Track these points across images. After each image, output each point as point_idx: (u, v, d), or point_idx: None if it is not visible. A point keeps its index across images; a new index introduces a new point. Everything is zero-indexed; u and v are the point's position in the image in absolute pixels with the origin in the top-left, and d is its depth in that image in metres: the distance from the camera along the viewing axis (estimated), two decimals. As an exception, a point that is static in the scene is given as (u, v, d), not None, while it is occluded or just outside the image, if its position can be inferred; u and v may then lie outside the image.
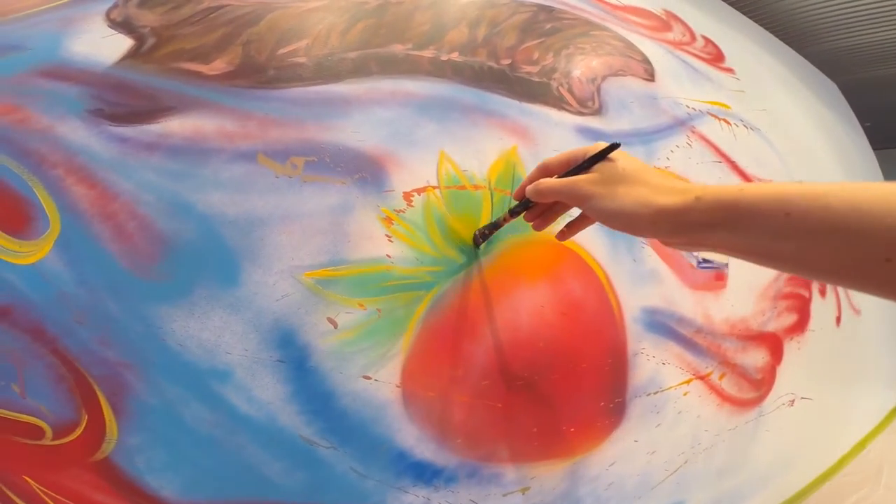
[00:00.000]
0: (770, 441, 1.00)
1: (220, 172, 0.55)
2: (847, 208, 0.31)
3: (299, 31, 0.66)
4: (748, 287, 1.00)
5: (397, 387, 0.58)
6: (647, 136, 0.92)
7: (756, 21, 1.88)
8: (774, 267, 0.39)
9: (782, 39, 1.97)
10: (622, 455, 0.75)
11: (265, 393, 0.52)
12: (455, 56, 0.75)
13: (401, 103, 0.67)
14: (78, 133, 0.52)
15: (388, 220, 0.61)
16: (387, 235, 0.60)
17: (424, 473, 0.59)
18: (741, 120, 1.19)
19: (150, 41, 0.59)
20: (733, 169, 1.08)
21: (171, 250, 0.52)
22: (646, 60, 1.04)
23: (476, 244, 0.65)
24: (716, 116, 1.11)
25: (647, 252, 0.83)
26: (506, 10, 0.87)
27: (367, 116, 0.64)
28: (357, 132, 0.63)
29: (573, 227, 0.56)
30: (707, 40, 1.35)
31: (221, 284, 0.53)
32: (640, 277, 0.80)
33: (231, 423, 0.51)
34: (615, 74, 0.95)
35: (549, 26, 0.90)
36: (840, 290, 1.28)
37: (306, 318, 0.55)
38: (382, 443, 0.57)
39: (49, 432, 0.47)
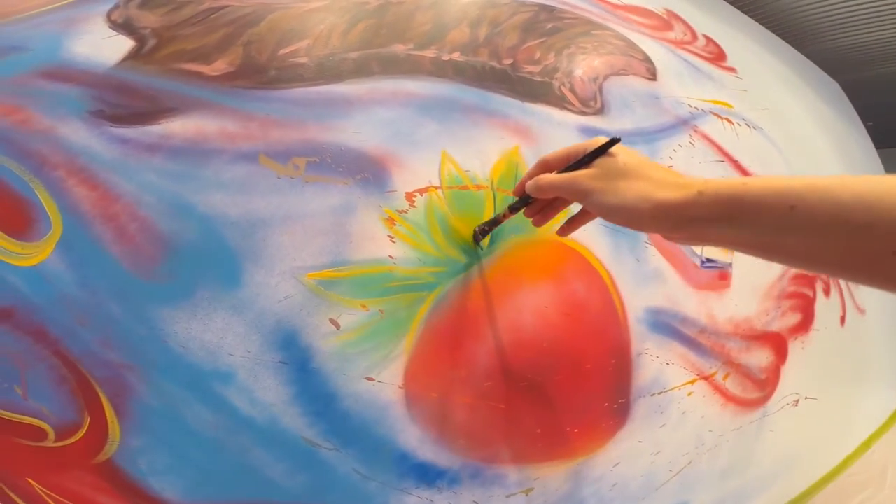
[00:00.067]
0: (774, 441, 1.00)
1: (222, 173, 0.55)
2: (853, 201, 0.31)
3: (300, 31, 0.66)
4: (752, 287, 0.99)
5: (400, 388, 0.58)
6: (649, 136, 0.92)
7: (757, 20, 1.88)
8: (779, 261, 0.39)
9: (784, 38, 1.97)
10: (626, 456, 0.74)
11: (267, 395, 0.52)
12: (456, 56, 0.75)
13: (402, 103, 0.67)
14: (79, 134, 0.52)
15: (390, 221, 0.61)
16: (389, 236, 0.60)
17: (427, 475, 0.59)
18: (743, 119, 1.18)
19: (151, 42, 0.59)
20: (736, 168, 1.07)
21: (173, 252, 0.52)
22: (647, 60, 1.04)
23: (476, 241, 0.65)
24: (718, 115, 1.10)
25: (651, 252, 0.82)
26: (507, 9, 0.87)
27: (368, 117, 0.64)
28: (359, 132, 0.63)
29: (574, 223, 0.55)
30: (708, 39, 1.34)
31: (223, 286, 0.53)
32: (644, 277, 0.80)
33: (233, 425, 0.51)
34: (617, 74, 0.94)
35: (550, 26, 0.90)
36: (844, 289, 1.27)
37: (308, 320, 0.55)
38: (385, 444, 0.57)
39: (51, 434, 0.47)
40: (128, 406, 0.49)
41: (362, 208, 0.60)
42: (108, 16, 0.60)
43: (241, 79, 0.60)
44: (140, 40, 0.59)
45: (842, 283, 1.27)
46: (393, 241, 0.60)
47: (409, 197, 0.63)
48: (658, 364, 0.79)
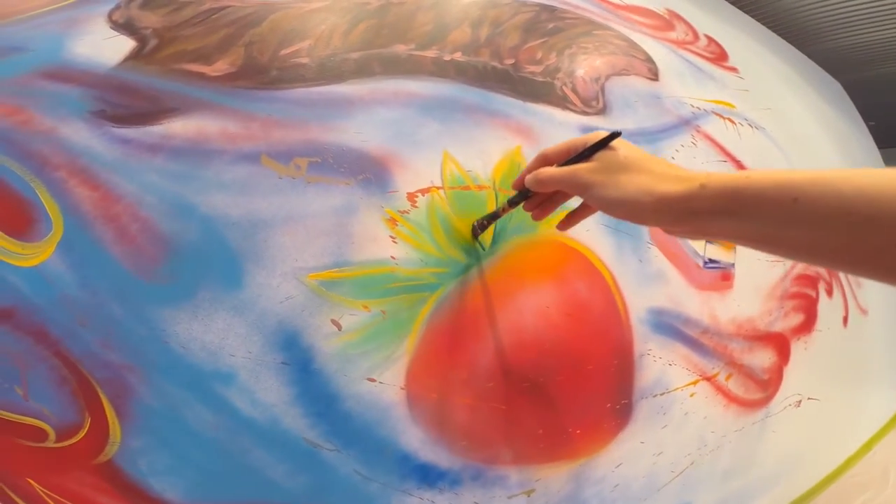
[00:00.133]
0: (776, 442, 0.99)
1: (223, 174, 0.55)
2: (856, 194, 0.31)
3: (301, 31, 0.66)
4: (755, 287, 0.99)
5: (402, 389, 0.57)
6: (651, 136, 0.92)
7: (759, 20, 1.88)
8: (781, 254, 0.38)
9: (785, 38, 1.97)
10: (628, 457, 0.74)
11: (269, 395, 0.52)
12: (458, 56, 0.75)
13: (404, 103, 0.67)
14: (80, 134, 0.52)
15: (392, 222, 0.61)
16: (391, 237, 0.60)
17: (429, 476, 0.59)
18: (746, 119, 1.18)
19: (153, 42, 0.59)
20: (738, 168, 1.07)
21: (174, 252, 0.52)
22: (649, 60, 1.04)
23: (474, 235, 0.65)
24: (720, 115, 1.10)
25: (654, 252, 0.82)
26: (508, 9, 0.86)
27: (370, 117, 0.64)
28: (360, 133, 0.62)
29: (574, 217, 0.55)
30: (710, 39, 1.34)
31: (225, 286, 0.53)
32: (646, 278, 0.80)
33: (234, 426, 0.51)
34: (619, 74, 0.94)
35: (551, 26, 0.90)
36: (847, 290, 1.27)
37: (310, 320, 0.55)
38: (387, 445, 0.56)
39: (52, 435, 0.47)
40: (129, 407, 0.49)
41: (364, 209, 0.60)
42: (110, 16, 0.60)
43: (242, 79, 0.60)
44: (141, 41, 0.59)
45: (844, 283, 1.27)
46: (395, 242, 0.60)
47: (411, 197, 0.63)
48: (660, 365, 0.78)
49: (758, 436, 0.96)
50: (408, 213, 0.62)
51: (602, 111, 0.87)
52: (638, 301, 0.78)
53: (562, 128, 0.79)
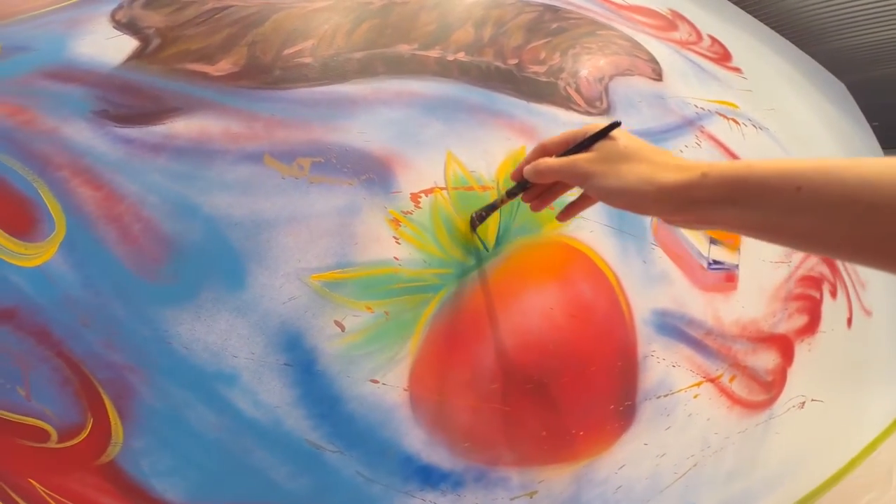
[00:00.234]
0: (780, 443, 0.99)
1: (226, 174, 0.55)
2: (860, 182, 0.31)
3: (305, 31, 0.65)
4: (759, 288, 0.99)
5: (405, 390, 0.57)
6: (655, 136, 0.92)
7: (762, 20, 1.88)
8: (784, 243, 0.38)
9: (788, 39, 1.97)
10: (631, 458, 0.74)
11: (271, 397, 0.52)
12: (461, 56, 0.75)
13: (407, 103, 0.67)
14: (83, 134, 0.52)
15: (395, 222, 0.60)
16: (394, 237, 0.60)
17: (431, 477, 0.58)
18: (749, 119, 1.18)
19: (156, 42, 0.59)
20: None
21: (177, 252, 0.52)
22: (653, 60, 1.03)
23: (473, 227, 0.64)
24: (724, 116, 1.10)
25: (658, 253, 0.82)
26: (511, 9, 0.86)
27: (373, 117, 0.64)
28: (364, 133, 0.62)
29: (574, 208, 0.54)
30: (713, 40, 1.34)
31: (227, 287, 0.52)
32: (650, 279, 0.80)
33: (237, 427, 0.51)
34: (623, 74, 0.94)
35: (555, 26, 0.90)
36: (851, 291, 1.27)
37: (313, 321, 0.54)
38: (390, 447, 0.56)
39: (54, 435, 0.47)
40: (131, 407, 0.48)
41: (367, 209, 0.60)
42: (113, 16, 0.60)
43: (245, 79, 0.60)
44: (144, 40, 0.59)
45: (849, 285, 1.26)
46: (398, 243, 0.60)
47: (415, 198, 0.62)
48: (664, 366, 0.78)
49: (761, 437, 0.96)
50: (411, 213, 0.62)
51: (606, 111, 0.86)
52: (642, 302, 0.77)
53: (566, 128, 0.77)
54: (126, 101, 0.55)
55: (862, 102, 2.14)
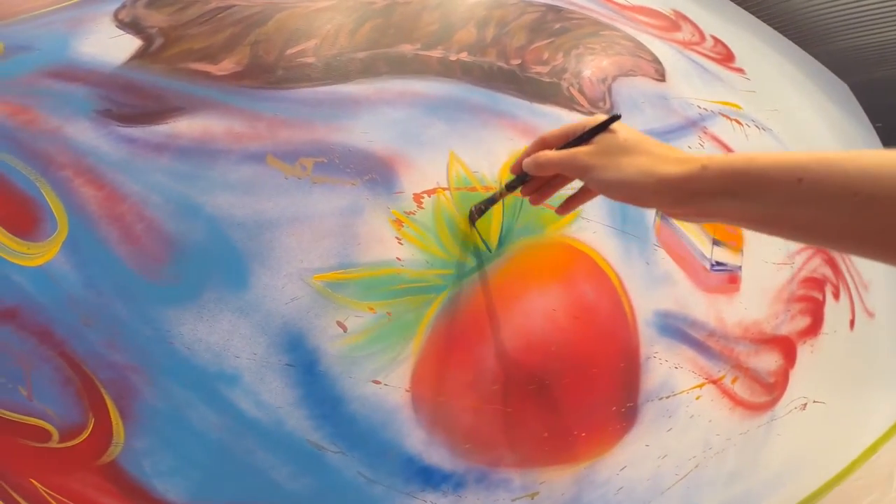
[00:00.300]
0: (781, 445, 0.99)
1: (229, 174, 0.55)
2: (861, 174, 0.31)
3: (307, 31, 0.65)
4: (761, 290, 0.98)
5: (407, 391, 0.57)
6: (659, 137, 0.90)
7: (765, 21, 1.87)
8: (784, 235, 0.38)
9: (791, 39, 1.96)
10: (633, 460, 0.74)
11: (273, 397, 0.52)
12: (464, 56, 0.75)
13: (410, 103, 0.67)
14: (86, 134, 0.52)
15: (398, 223, 0.60)
16: (397, 238, 0.60)
17: (433, 478, 0.58)
18: (753, 120, 1.18)
19: (158, 41, 0.59)
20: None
21: (180, 252, 0.52)
22: (656, 60, 1.03)
23: (472, 221, 0.64)
24: (727, 117, 1.10)
25: (660, 255, 0.82)
26: (514, 10, 0.86)
27: (376, 117, 0.64)
28: (366, 133, 0.62)
29: (573, 201, 0.54)
30: (716, 40, 1.34)
31: (230, 287, 0.52)
32: (653, 280, 0.79)
33: (238, 428, 0.51)
34: (626, 74, 0.94)
35: (558, 26, 0.89)
36: (854, 293, 1.26)
37: (315, 322, 0.54)
38: (391, 448, 0.56)
39: (56, 435, 0.47)
40: (133, 407, 0.49)
41: (370, 210, 0.59)
42: (116, 15, 0.60)
43: (248, 78, 0.60)
44: (147, 39, 0.59)
45: (851, 286, 1.26)
46: (401, 243, 0.60)
47: (417, 198, 0.62)
48: (667, 368, 0.78)
49: (763, 439, 0.95)
50: (414, 214, 0.62)
51: (609, 112, 0.86)
52: (644, 303, 0.77)
53: (569, 129, 0.79)
54: (129, 101, 0.55)
55: (865, 103, 2.13)
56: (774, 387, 0.98)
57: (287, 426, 0.52)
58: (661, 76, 1.01)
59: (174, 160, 0.54)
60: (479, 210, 0.63)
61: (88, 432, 0.47)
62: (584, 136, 0.46)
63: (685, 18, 1.29)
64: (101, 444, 0.48)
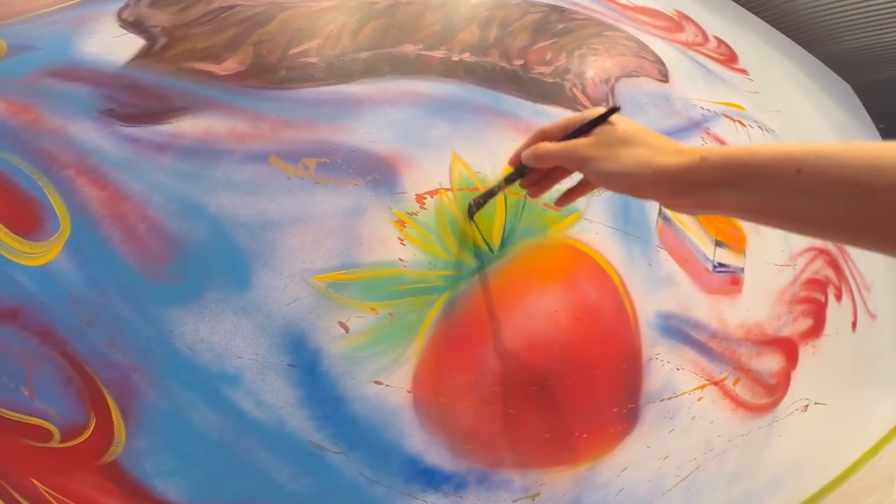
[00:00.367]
0: (783, 446, 0.99)
1: (232, 174, 0.55)
2: (860, 164, 0.31)
3: (310, 31, 0.65)
4: (764, 291, 0.98)
5: (408, 392, 0.57)
6: (661, 138, 0.91)
7: (768, 22, 1.87)
8: (784, 227, 0.38)
9: (794, 40, 1.96)
10: (634, 461, 0.74)
11: (275, 397, 0.52)
12: (467, 56, 0.74)
13: (413, 104, 0.67)
14: (89, 133, 0.52)
15: (400, 223, 0.60)
16: (399, 238, 0.60)
17: (434, 479, 0.58)
18: (756, 121, 1.17)
19: (162, 41, 0.59)
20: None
21: (182, 252, 0.52)
22: (659, 61, 1.03)
23: (470, 214, 0.64)
24: (730, 118, 1.10)
25: (663, 256, 0.82)
26: (517, 10, 0.86)
27: (379, 117, 0.64)
28: (369, 133, 0.62)
29: (573, 193, 0.54)
30: (720, 41, 1.34)
31: (232, 287, 0.52)
32: (656, 282, 0.79)
33: (240, 428, 0.51)
34: (629, 75, 0.94)
35: (561, 27, 0.89)
36: (856, 294, 1.26)
37: (317, 322, 0.54)
38: (392, 448, 0.56)
39: (57, 435, 0.47)
40: (134, 407, 0.49)
41: (372, 210, 0.59)
42: (119, 14, 0.60)
43: (251, 78, 0.60)
44: (150, 39, 0.59)
45: (854, 288, 1.26)
46: (403, 244, 0.60)
47: (420, 199, 0.62)
48: (668, 369, 0.78)
49: (764, 440, 0.95)
50: (416, 214, 0.61)
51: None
52: (647, 305, 0.77)
53: (571, 129, 0.79)
54: (132, 100, 0.55)
55: (868, 104, 2.13)
56: (776, 388, 0.98)
57: (288, 426, 0.52)
58: (664, 77, 1.01)
59: (177, 160, 0.54)
60: (478, 203, 0.63)
61: (90, 432, 0.48)
62: (584, 129, 0.46)
63: (688, 19, 1.29)
64: (102, 443, 0.48)
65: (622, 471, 0.72)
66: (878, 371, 1.31)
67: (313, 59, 0.63)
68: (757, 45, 1.58)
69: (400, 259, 0.59)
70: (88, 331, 0.48)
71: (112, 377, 0.48)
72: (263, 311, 0.53)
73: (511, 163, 0.55)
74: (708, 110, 1.05)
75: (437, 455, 0.58)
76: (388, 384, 0.56)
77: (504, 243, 0.66)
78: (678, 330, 0.80)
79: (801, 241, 1.10)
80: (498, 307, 0.64)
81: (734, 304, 0.92)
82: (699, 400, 0.82)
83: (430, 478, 0.58)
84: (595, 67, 0.88)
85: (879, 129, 2.09)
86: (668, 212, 0.84)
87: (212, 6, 0.63)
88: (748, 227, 0.99)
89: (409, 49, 0.70)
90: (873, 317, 1.31)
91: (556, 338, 0.66)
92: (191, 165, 0.54)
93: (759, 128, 1.17)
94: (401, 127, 0.65)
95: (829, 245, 1.20)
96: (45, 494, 0.47)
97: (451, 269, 0.62)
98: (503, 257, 0.66)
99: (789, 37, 1.93)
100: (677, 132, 0.95)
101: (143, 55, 0.57)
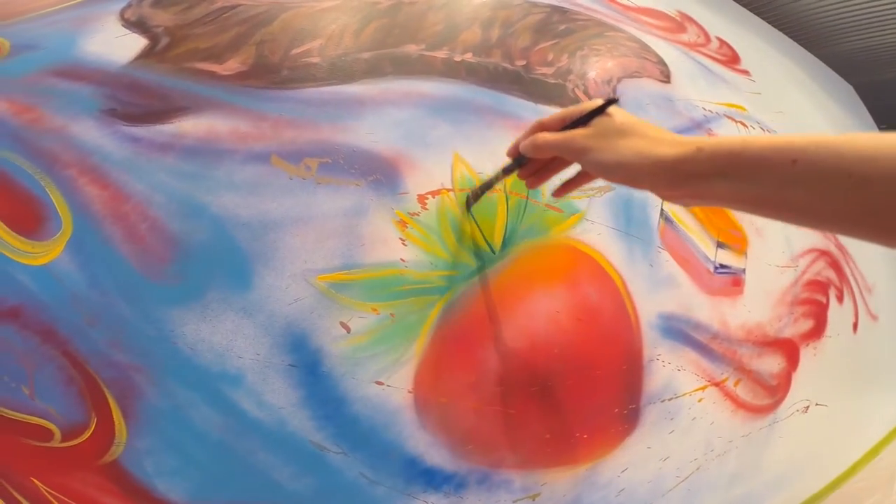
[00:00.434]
0: (783, 447, 0.99)
1: (234, 174, 0.55)
2: (856, 155, 0.31)
3: (312, 31, 0.65)
4: (765, 293, 0.98)
5: (409, 392, 0.57)
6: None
7: (770, 23, 1.87)
8: (779, 217, 0.38)
9: (797, 41, 1.96)
10: (634, 461, 0.74)
11: (276, 397, 0.52)
12: (469, 57, 0.74)
13: (415, 104, 0.67)
14: (91, 133, 0.52)
15: (402, 224, 0.60)
16: (401, 239, 0.60)
17: (434, 479, 0.58)
18: (757, 122, 1.17)
19: (164, 41, 0.59)
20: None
21: (184, 252, 0.52)
22: (661, 62, 1.03)
23: (468, 206, 0.64)
24: (732, 119, 1.10)
25: (664, 257, 0.82)
26: (519, 10, 0.86)
27: (381, 117, 0.64)
28: (371, 133, 0.62)
29: (571, 184, 0.54)
30: (722, 42, 1.33)
31: (234, 287, 0.52)
32: (657, 283, 0.79)
33: (241, 428, 0.51)
34: (631, 76, 0.94)
35: (563, 27, 0.89)
36: (858, 296, 1.26)
37: (319, 323, 0.54)
38: (393, 449, 0.56)
39: (58, 434, 0.47)
40: (135, 407, 0.49)
41: (374, 210, 0.59)
42: (122, 14, 0.60)
43: (253, 78, 0.60)
44: (153, 39, 0.59)
45: (855, 289, 1.26)
46: (405, 245, 0.60)
47: (422, 199, 0.62)
48: (669, 370, 0.78)
49: (765, 441, 0.95)
50: (418, 215, 0.61)
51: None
52: (648, 306, 0.77)
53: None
54: (134, 100, 0.55)
55: (870, 105, 2.13)
56: (777, 389, 0.97)
57: (289, 427, 0.52)
58: (665, 78, 1.01)
59: (179, 160, 0.54)
60: (476, 195, 0.63)
61: (91, 432, 0.48)
62: (582, 120, 0.47)
63: (690, 20, 1.28)
64: (103, 443, 0.48)
65: (622, 471, 0.72)
66: (879, 372, 1.31)
67: (315, 60, 0.63)
68: (759, 45, 1.58)
69: (401, 259, 0.59)
70: (90, 330, 0.48)
71: (113, 377, 0.48)
72: (265, 312, 0.53)
73: (509, 153, 0.55)
74: (710, 111, 1.05)
75: (437, 455, 0.58)
76: (389, 384, 0.56)
77: (505, 244, 0.66)
78: (679, 331, 0.80)
79: (802, 243, 1.10)
80: (499, 308, 0.64)
81: (735, 306, 0.91)
82: (700, 401, 0.82)
83: (430, 478, 0.58)
84: (597, 68, 0.88)
85: (881, 130, 2.08)
86: (669, 213, 0.84)
87: (214, 6, 0.63)
88: (749, 228, 0.99)
89: (412, 49, 0.70)
90: (874, 318, 1.31)
91: (557, 338, 0.66)
92: (193, 165, 0.54)
93: (761, 129, 1.17)
94: (403, 127, 0.64)
95: (830, 246, 1.20)
96: (46, 494, 0.47)
97: (452, 269, 0.62)
98: (504, 258, 0.66)
99: (791, 37, 1.93)
100: (679, 133, 0.94)
101: (145, 55, 0.57)
